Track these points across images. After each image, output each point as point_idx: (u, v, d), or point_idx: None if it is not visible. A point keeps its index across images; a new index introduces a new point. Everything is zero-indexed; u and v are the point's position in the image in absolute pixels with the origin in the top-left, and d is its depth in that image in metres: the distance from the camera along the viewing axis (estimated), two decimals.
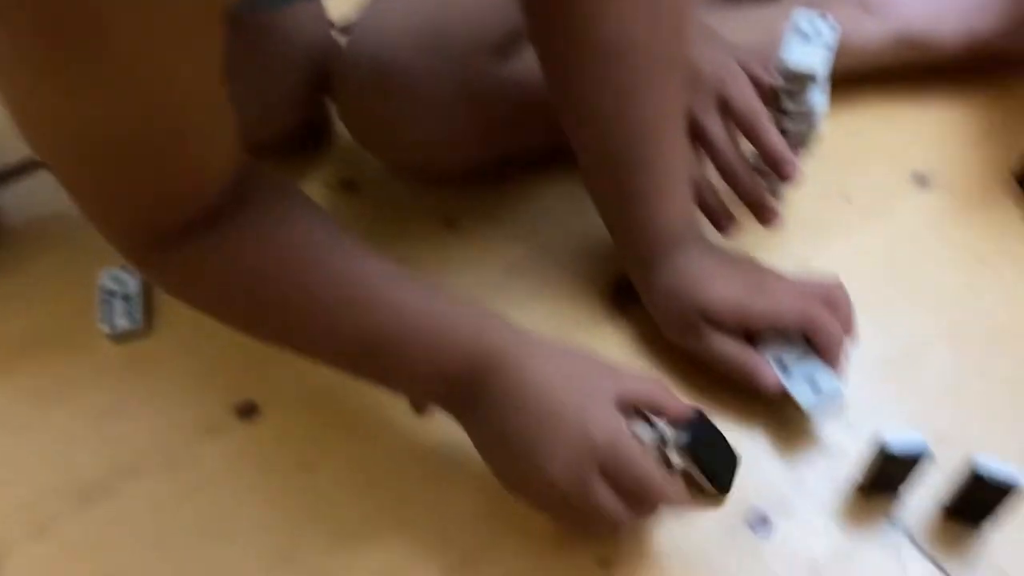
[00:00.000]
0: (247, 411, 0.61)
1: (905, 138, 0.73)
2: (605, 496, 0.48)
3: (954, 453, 0.55)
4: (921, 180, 0.71)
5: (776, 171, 0.60)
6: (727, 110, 0.61)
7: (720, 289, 0.58)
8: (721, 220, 0.63)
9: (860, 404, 0.59)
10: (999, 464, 0.50)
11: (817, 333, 0.56)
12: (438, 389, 0.52)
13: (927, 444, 0.51)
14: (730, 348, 0.58)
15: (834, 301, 0.57)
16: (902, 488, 0.55)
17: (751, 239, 0.67)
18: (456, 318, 0.51)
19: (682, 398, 0.52)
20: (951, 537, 0.54)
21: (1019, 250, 0.66)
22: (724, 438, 0.56)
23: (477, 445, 0.52)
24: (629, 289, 0.63)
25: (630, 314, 0.64)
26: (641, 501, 0.49)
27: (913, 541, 0.54)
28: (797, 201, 0.70)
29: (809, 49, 0.58)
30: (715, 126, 0.61)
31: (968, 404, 0.59)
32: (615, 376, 0.52)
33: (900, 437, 0.52)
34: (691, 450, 0.53)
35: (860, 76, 0.73)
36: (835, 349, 0.56)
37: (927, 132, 0.74)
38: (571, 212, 0.69)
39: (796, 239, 0.68)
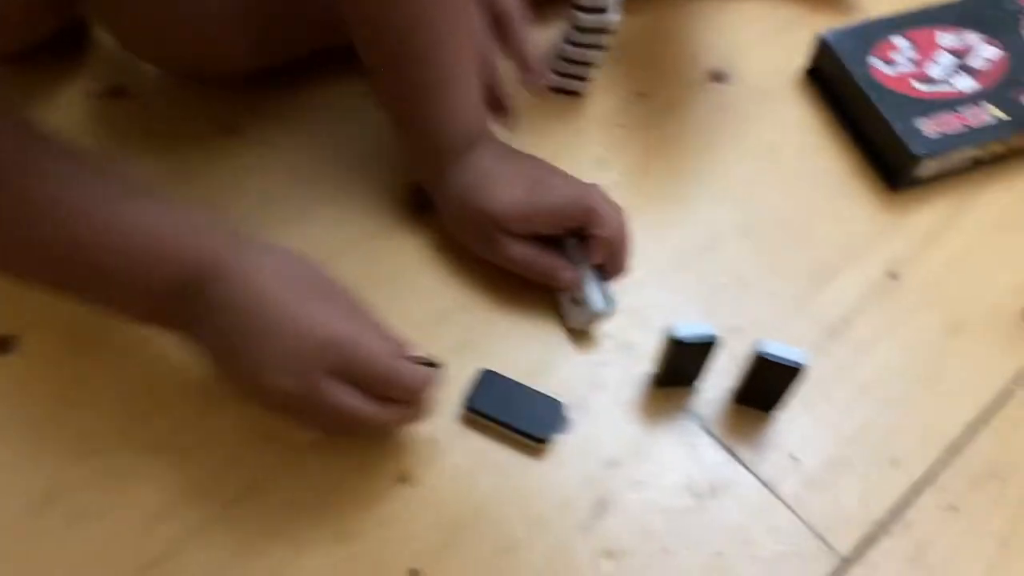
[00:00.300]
0: (2, 345, 0.55)
1: (701, 36, 0.73)
2: (340, 396, 0.46)
3: (747, 343, 0.55)
4: (718, 76, 0.71)
5: (523, 75, 0.62)
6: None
7: (506, 194, 0.56)
8: (497, 109, 0.63)
9: (655, 300, 0.59)
10: (784, 348, 0.51)
11: (598, 226, 0.55)
12: (160, 306, 0.48)
13: (715, 331, 0.51)
14: (524, 253, 0.56)
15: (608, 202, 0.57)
16: (695, 378, 0.55)
17: (551, 140, 0.66)
18: (170, 230, 0.48)
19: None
20: (744, 424, 0.55)
21: (810, 142, 0.67)
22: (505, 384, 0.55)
23: (210, 360, 0.48)
24: (426, 195, 0.60)
25: (428, 220, 0.61)
26: (389, 396, 0.48)
27: (707, 430, 0.54)
28: (595, 100, 0.68)
29: None
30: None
31: (759, 295, 0.60)
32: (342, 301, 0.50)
33: (689, 326, 0.51)
34: (478, 413, 0.53)
35: None
36: (618, 242, 0.56)
37: (724, 30, 0.73)
38: (362, 118, 0.65)
39: (594, 138, 0.66)
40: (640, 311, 0.58)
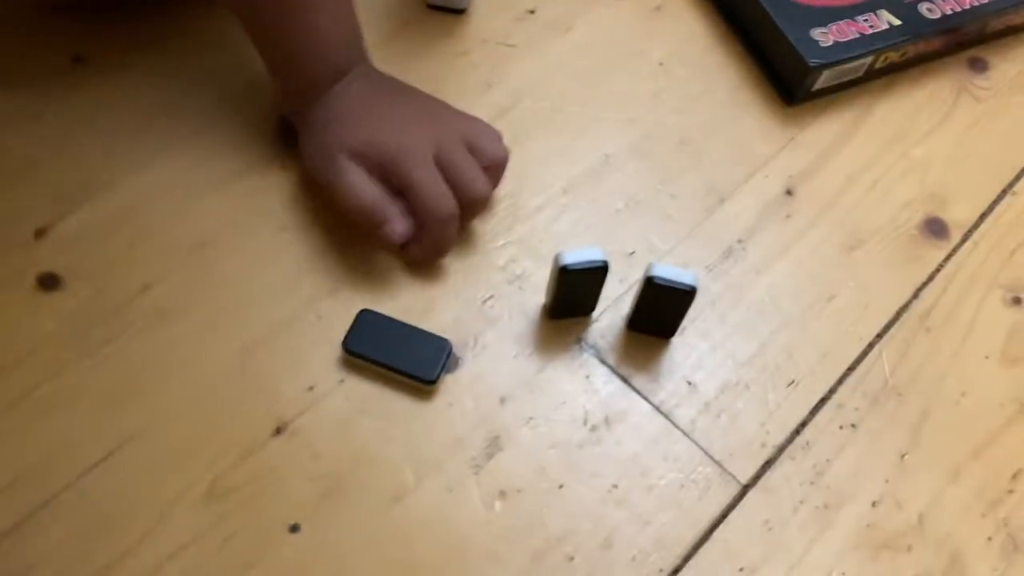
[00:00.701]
0: None
1: None
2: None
3: (642, 268, 0.53)
4: None
5: None
6: None
7: (365, 122, 0.52)
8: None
9: (545, 228, 0.56)
10: (676, 271, 0.49)
11: (447, 170, 0.51)
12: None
13: (604, 256, 0.48)
14: (358, 184, 0.51)
15: (477, 145, 0.53)
16: (589, 307, 0.53)
17: (433, 64, 0.62)
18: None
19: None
20: (639, 352, 0.53)
21: (705, 58, 0.65)
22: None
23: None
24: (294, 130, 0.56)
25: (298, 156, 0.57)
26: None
27: (601, 360, 0.52)
28: (484, 20, 0.64)
29: None
30: None
31: (654, 218, 0.57)
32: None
33: (577, 253, 0.48)
34: (358, 355, 0.50)
35: None
36: (463, 191, 0.52)
37: None
38: (226, 46, 0.60)
39: (482, 62, 0.62)
40: (530, 240, 0.56)
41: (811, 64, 0.60)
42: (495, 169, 0.54)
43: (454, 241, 0.53)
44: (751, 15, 0.64)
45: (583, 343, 0.53)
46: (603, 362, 0.52)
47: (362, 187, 0.51)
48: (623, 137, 0.60)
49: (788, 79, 0.63)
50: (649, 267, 0.48)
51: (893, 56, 0.63)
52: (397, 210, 0.51)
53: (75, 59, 0.59)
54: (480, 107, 0.59)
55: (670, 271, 0.48)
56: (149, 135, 0.57)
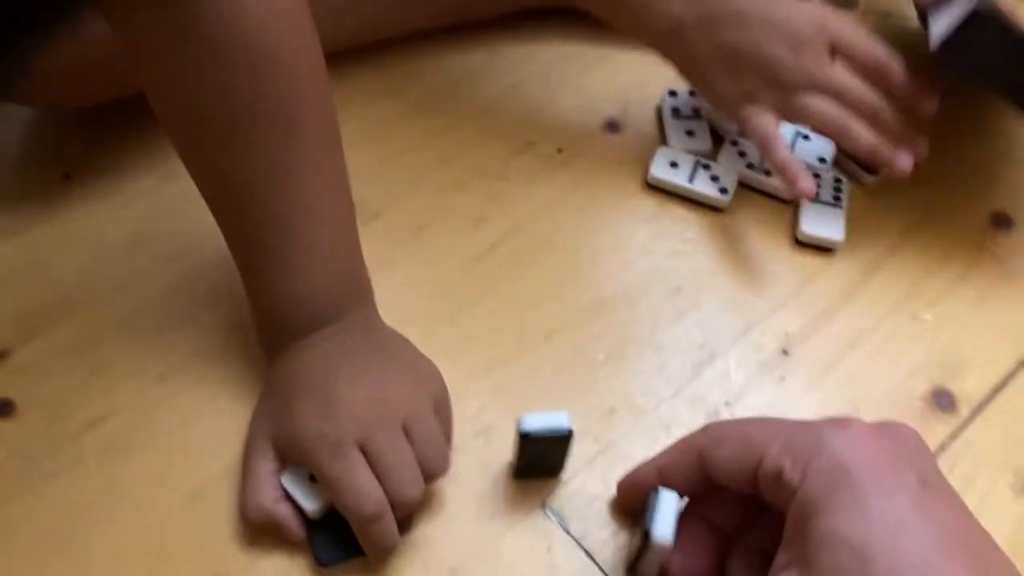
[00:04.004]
0: None
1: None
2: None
3: (621, 428, 0.50)
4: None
5: (917, 105, 0.58)
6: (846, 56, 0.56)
7: (300, 399, 0.46)
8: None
9: (519, 377, 0.53)
10: (546, 416, 0.46)
11: (375, 466, 0.45)
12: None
13: (567, 423, 0.45)
14: (259, 489, 0.46)
15: (421, 446, 0.46)
16: (557, 470, 0.50)
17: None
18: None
19: None
20: (607, 520, 0.49)
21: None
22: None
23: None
24: None
25: None
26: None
27: (565, 528, 0.49)
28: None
29: None
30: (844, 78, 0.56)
31: (637, 373, 0.55)
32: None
33: (540, 418, 0.46)
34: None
35: None
36: (389, 492, 0.45)
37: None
38: None
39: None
40: (503, 390, 0.53)
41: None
42: (428, 477, 0.47)
43: (393, 536, 0.45)
44: None
45: (548, 508, 0.49)
46: (567, 532, 0.49)
47: (261, 491, 0.46)
48: (616, 280, 0.58)
49: None
50: (519, 421, 0.46)
51: None
52: (290, 514, 0.46)
53: (65, 176, 0.59)
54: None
55: (543, 419, 0.46)
56: (127, 259, 0.56)
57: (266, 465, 0.47)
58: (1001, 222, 0.62)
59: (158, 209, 0.58)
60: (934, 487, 0.38)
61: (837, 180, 0.62)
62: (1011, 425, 0.54)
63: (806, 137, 0.64)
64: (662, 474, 0.45)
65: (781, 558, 0.39)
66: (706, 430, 0.45)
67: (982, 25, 0.52)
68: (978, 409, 0.54)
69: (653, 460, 0.46)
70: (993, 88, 0.57)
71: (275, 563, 0.47)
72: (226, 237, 0.49)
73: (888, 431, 0.40)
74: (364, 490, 0.44)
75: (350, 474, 0.44)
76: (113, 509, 0.48)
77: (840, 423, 0.40)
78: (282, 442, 0.47)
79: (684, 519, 0.45)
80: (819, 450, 0.39)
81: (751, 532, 0.44)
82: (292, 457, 0.46)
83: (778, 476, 0.39)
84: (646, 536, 0.43)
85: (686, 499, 0.46)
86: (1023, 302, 0.59)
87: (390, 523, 0.45)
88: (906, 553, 0.35)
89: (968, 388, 0.55)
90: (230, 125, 0.44)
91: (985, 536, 0.38)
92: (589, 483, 0.50)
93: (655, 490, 0.44)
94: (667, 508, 0.43)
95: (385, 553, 0.46)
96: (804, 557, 0.37)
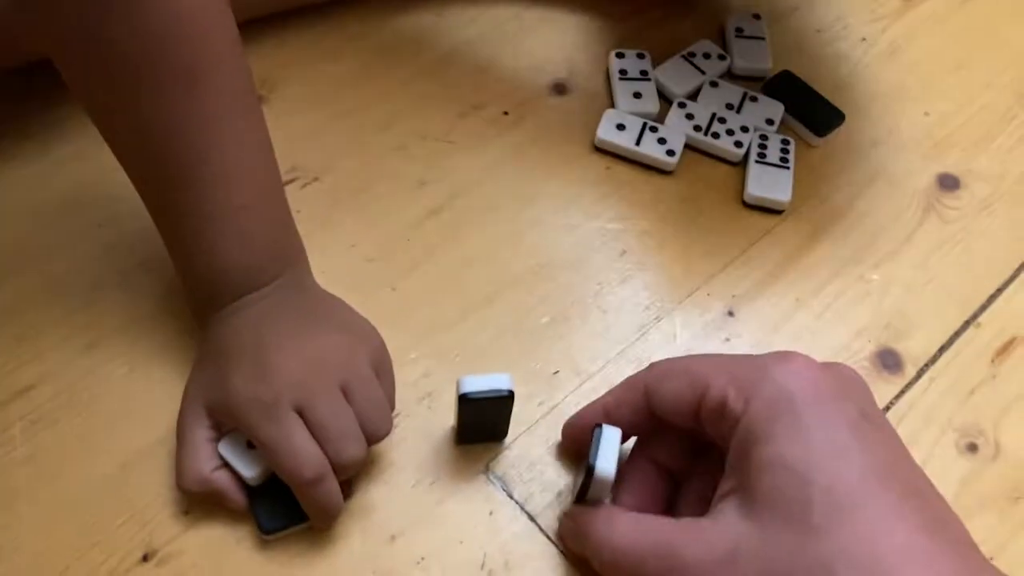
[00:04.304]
0: None
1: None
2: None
3: (565, 390, 0.49)
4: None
5: None
6: None
7: (232, 362, 0.45)
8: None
9: (465, 343, 0.52)
10: (486, 379, 0.45)
11: (313, 428, 0.44)
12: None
13: (509, 384, 0.44)
14: (195, 457, 0.45)
15: (361, 408, 0.45)
16: (500, 433, 0.49)
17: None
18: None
19: None
20: (551, 484, 0.48)
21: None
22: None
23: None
24: None
25: None
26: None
27: (508, 493, 0.48)
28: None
29: None
30: None
31: (582, 335, 0.54)
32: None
33: (480, 379, 0.45)
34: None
35: None
36: (330, 455, 0.44)
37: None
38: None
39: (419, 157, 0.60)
40: (446, 354, 0.52)
41: None
42: (370, 439, 0.45)
43: (336, 499, 0.44)
44: None
45: (490, 473, 0.49)
46: (510, 496, 0.48)
47: (198, 459, 0.45)
48: (560, 244, 0.57)
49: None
50: (459, 383, 0.45)
51: None
52: (230, 482, 0.45)
53: None
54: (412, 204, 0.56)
55: (482, 382, 0.45)
56: (57, 225, 0.54)
57: (201, 432, 0.45)
58: (948, 183, 0.62)
59: (90, 173, 0.56)
60: (873, 420, 0.39)
61: (784, 141, 0.61)
62: (956, 385, 0.54)
63: (754, 99, 0.63)
64: (608, 413, 0.45)
65: (724, 486, 0.39)
66: (651, 367, 0.45)
67: None
68: (924, 369, 0.54)
69: (599, 400, 0.47)
70: None
71: (211, 533, 0.46)
72: (146, 206, 0.47)
73: (830, 366, 0.41)
74: (303, 453, 0.43)
75: (288, 438, 0.43)
76: (40, 480, 0.46)
77: (784, 356, 0.41)
78: (216, 408, 0.45)
79: (632, 458, 0.45)
80: (762, 380, 0.39)
81: (696, 476, 0.44)
82: (227, 423, 0.45)
83: (722, 407, 0.40)
84: (590, 470, 0.42)
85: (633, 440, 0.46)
86: (969, 263, 0.59)
87: (332, 486, 0.44)
88: (844, 476, 0.36)
89: (914, 348, 0.55)
90: (124, 79, 0.42)
91: (918, 470, 0.39)
92: (532, 447, 0.49)
93: (598, 426, 0.43)
94: (609, 442, 0.43)
95: (329, 517, 0.45)
96: (746, 484, 0.38)
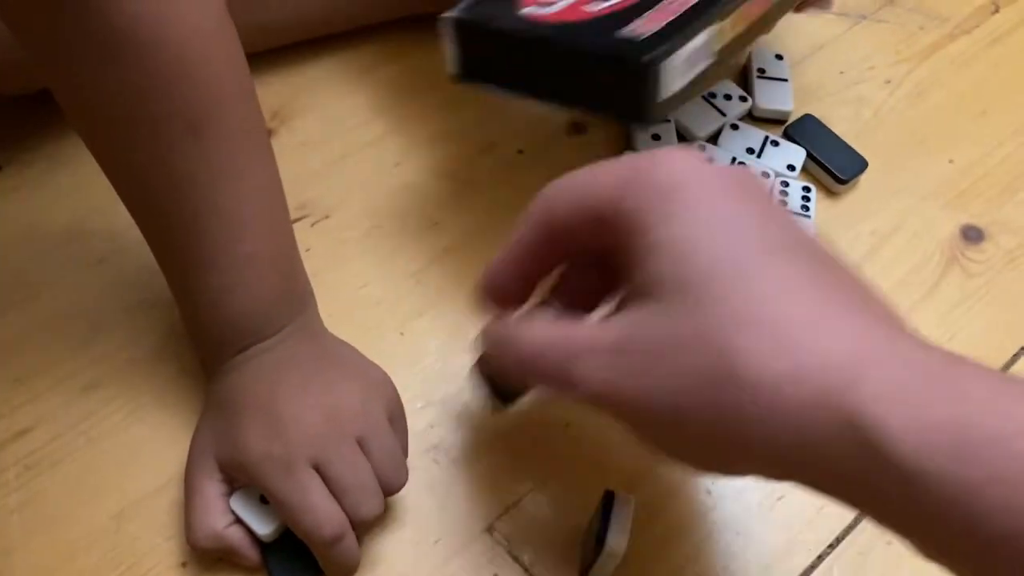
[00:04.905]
0: None
1: None
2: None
3: None
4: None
5: None
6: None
7: (242, 416, 0.43)
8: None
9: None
10: None
11: (329, 482, 0.43)
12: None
13: None
14: (204, 516, 0.44)
15: (376, 459, 0.44)
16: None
17: None
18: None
19: None
20: (561, 548, 0.47)
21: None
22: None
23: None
24: None
25: None
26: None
27: (514, 556, 0.47)
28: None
29: None
30: None
31: None
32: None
33: None
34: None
35: None
36: (347, 510, 0.43)
37: None
38: None
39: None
40: (453, 404, 0.50)
41: (644, 60, 0.42)
42: (387, 492, 0.44)
43: (355, 556, 0.43)
44: (541, 67, 0.47)
45: (496, 533, 0.47)
46: (516, 560, 0.46)
47: (210, 514, 0.43)
48: None
49: (626, 103, 0.45)
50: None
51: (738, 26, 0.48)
52: (243, 539, 0.44)
53: None
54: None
55: None
56: (58, 257, 0.53)
57: (213, 487, 0.44)
58: (972, 235, 0.61)
59: (93, 204, 0.55)
60: (771, 203, 0.35)
61: (806, 188, 0.60)
62: None
63: (775, 143, 0.62)
64: (520, 263, 0.40)
65: (622, 291, 0.36)
66: (544, 190, 0.39)
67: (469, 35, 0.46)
68: None
69: (505, 253, 0.40)
70: (522, 94, 0.48)
71: None
72: (150, 247, 0.46)
73: (728, 165, 0.37)
74: (322, 512, 0.42)
75: (306, 496, 0.42)
76: (34, 526, 0.45)
77: (675, 148, 0.37)
78: (228, 462, 0.44)
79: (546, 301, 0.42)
80: (652, 171, 0.34)
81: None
82: (240, 478, 0.44)
83: (618, 209, 0.35)
84: (600, 542, 0.41)
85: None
86: (994, 319, 0.57)
87: (352, 542, 0.43)
88: (730, 247, 0.32)
89: None
90: (128, 126, 0.41)
91: (829, 249, 0.34)
92: (541, 507, 0.48)
93: (608, 494, 0.42)
94: (621, 513, 0.41)
95: (348, 573, 0.44)
96: (636, 280, 0.34)
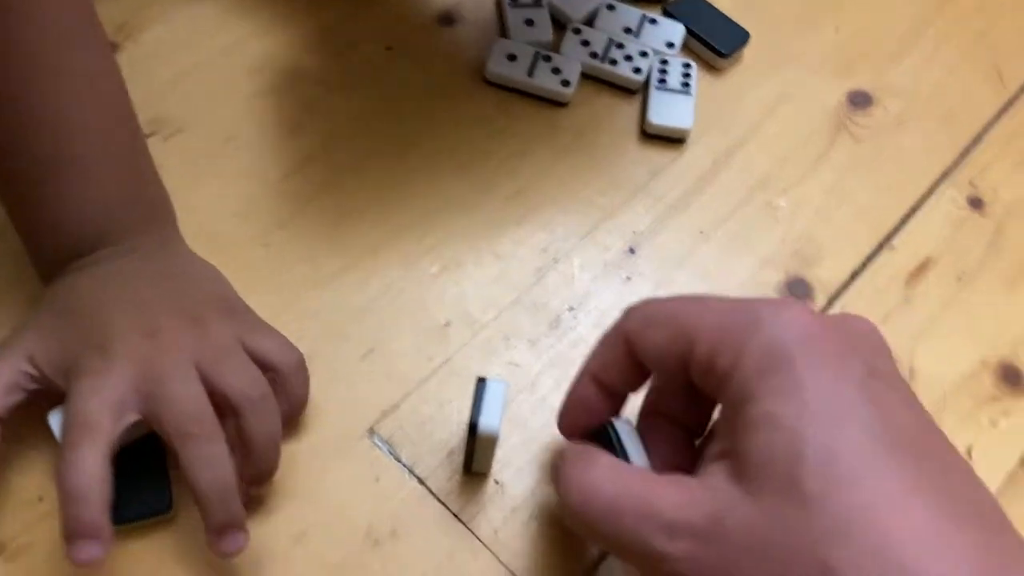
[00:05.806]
0: None
1: None
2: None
3: (458, 343, 0.46)
4: None
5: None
6: None
7: (61, 326, 0.40)
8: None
9: (348, 297, 0.49)
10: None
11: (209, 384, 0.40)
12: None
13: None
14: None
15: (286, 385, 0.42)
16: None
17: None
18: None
19: None
20: (439, 446, 0.45)
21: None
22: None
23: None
24: None
25: None
26: None
27: (395, 456, 0.45)
28: None
29: None
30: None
31: (474, 283, 0.50)
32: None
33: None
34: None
35: None
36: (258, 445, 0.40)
37: None
38: None
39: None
40: (322, 313, 0.48)
41: None
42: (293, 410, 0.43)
43: (236, 508, 0.39)
44: None
45: (375, 436, 0.45)
46: (397, 459, 0.45)
47: None
48: (450, 187, 0.53)
49: None
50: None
51: None
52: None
53: None
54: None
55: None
56: None
57: (13, 362, 0.40)
58: (860, 100, 0.59)
59: None
60: (885, 379, 0.34)
61: (686, 65, 0.57)
62: (870, 312, 0.51)
63: (653, 21, 0.59)
64: (596, 379, 0.39)
65: (714, 448, 0.34)
66: (628, 313, 0.39)
67: None
68: (835, 296, 0.52)
69: (583, 369, 0.40)
70: None
71: None
72: None
73: (835, 318, 0.36)
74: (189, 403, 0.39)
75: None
76: None
77: (779, 302, 0.35)
78: (41, 358, 0.40)
79: (644, 416, 0.40)
80: (754, 330, 0.34)
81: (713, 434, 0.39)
82: (56, 381, 0.40)
83: (710, 362, 0.34)
84: (472, 429, 0.39)
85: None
86: (882, 184, 0.56)
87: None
88: (845, 440, 0.31)
89: (825, 276, 0.52)
90: None
91: (938, 435, 0.33)
92: (421, 405, 0.46)
93: (481, 380, 0.40)
94: (494, 396, 0.39)
95: (231, 525, 0.39)
96: (735, 446, 0.33)
